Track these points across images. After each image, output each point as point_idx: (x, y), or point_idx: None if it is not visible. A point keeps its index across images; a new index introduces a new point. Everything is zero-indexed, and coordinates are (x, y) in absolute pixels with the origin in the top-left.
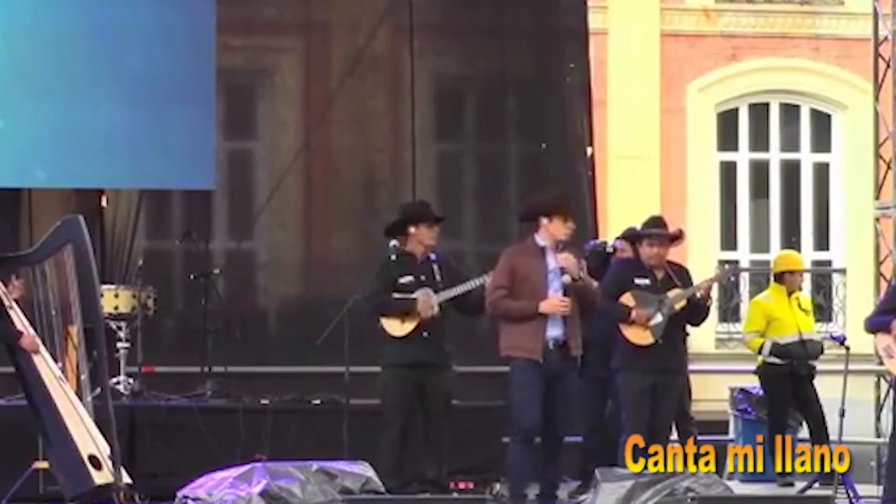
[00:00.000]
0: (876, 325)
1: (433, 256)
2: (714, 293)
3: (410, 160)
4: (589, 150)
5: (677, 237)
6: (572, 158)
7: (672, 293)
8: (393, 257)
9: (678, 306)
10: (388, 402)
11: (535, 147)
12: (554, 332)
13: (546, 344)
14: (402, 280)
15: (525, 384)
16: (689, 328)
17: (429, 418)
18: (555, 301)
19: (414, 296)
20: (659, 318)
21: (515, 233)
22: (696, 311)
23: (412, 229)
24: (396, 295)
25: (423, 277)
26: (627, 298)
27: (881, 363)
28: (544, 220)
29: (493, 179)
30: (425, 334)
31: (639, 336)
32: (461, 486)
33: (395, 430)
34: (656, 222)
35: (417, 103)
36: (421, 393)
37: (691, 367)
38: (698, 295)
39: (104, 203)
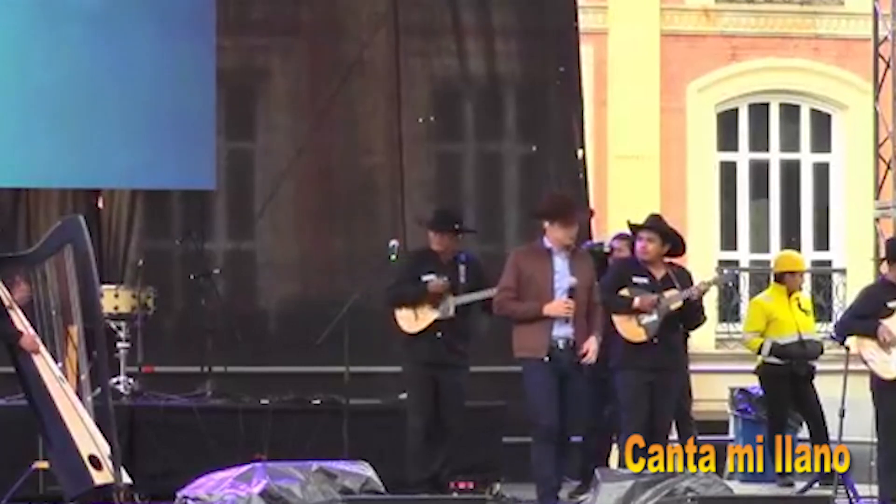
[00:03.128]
0: (860, 328)
1: (462, 257)
2: (714, 294)
3: (412, 160)
4: (580, 151)
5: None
6: (564, 160)
7: (669, 293)
8: (392, 256)
9: (674, 307)
10: (410, 398)
11: (526, 149)
12: (562, 331)
13: (554, 343)
14: (425, 277)
15: (538, 384)
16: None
17: (441, 417)
18: (558, 304)
19: (427, 279)
20: (654, 316)
21: (513, 233)
22: (690, 314)
23: (430, 233)
24: None
25: (446, 278)
26: (626, 293)
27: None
28: (546, 224)
29: (490, 180)
30: (439, 334)
31: (632, 332)
32: (461, 486)
33: (417, 425)
34: (653, 220)
35: (414, 105)
36: (436, 391)
37: (691, 367)
38: (693, 297)
39: (100, 204)
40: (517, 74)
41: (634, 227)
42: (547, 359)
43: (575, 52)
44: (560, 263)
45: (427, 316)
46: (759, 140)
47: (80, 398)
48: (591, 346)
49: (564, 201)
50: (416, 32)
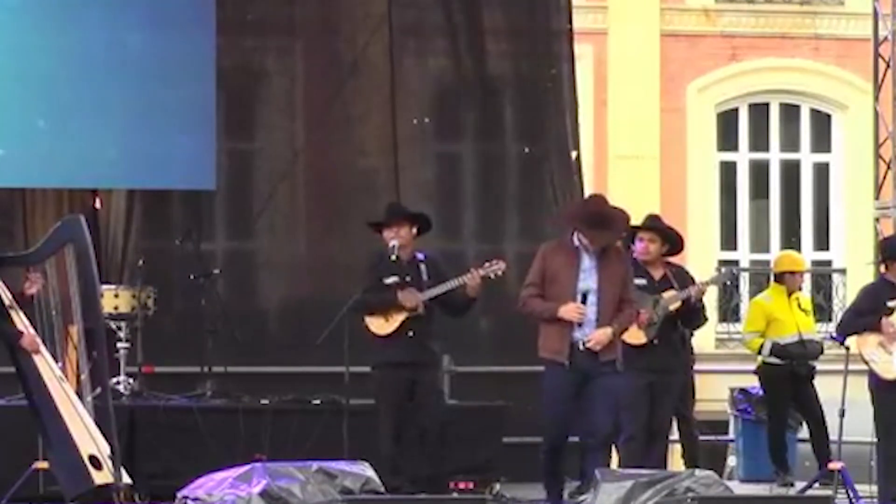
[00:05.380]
0: (862, 325)
1: (420, 256)
2: (714, 294)
3: (408, 161)
4: (574, 153)
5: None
6: (559, 161)
7: (667, 295)
8: (393, 257)
9: (673, 307)
10: (380, 400)
11: (521, 150)
12: (583, 333)
13: (575, 345)
14: (387, 280)
15: (553, 392)
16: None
17: (420, 417)
18: (571, 308)
19: (389, 281)
20: (653, 318)
21: (510, 233)
22: (690, 314)
23: (384, 233)
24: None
25: (408, 277)
26: None
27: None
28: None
29: (486, 181)
30: (410, 333)
31: (632, 334)
32: (461, 486)
33: (387, 427)
34: (652, 220)
35: (410, 106)
36: (411, 392)
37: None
38: (693, 297)
39: (97, 204)
40: (512, 75)
41: (633, 229)
42: (568, 363)
43: (569, 53)
44: (588, 262)
45: (396, 317)
46: (759, 140)
47: (80, 398)
48: (596, 337)
49: (599, 218)
50: (411, 33)
